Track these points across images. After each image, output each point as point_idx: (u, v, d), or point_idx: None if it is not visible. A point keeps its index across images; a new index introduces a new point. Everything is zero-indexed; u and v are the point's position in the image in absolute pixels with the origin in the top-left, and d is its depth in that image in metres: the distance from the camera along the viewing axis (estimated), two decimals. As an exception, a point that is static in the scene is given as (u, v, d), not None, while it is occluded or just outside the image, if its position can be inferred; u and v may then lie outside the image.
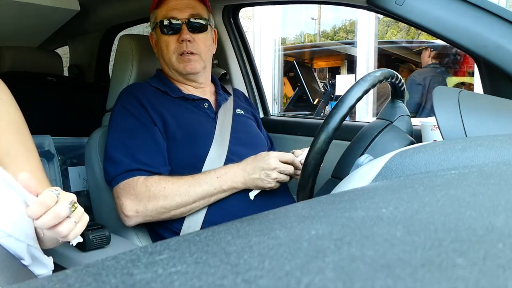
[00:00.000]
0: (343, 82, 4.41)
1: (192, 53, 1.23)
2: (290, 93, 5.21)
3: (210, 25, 1.28)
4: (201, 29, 1.25)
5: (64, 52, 2.60)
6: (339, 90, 4.30)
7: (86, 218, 0.72)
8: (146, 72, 1.37)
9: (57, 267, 0.90)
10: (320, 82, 5.38)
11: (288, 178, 1.12)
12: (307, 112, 4.65)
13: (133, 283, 0.24)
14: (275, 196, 1.15)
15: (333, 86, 4.66)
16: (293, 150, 1.24)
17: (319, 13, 6.84)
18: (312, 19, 7.02)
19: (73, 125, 1.84)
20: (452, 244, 0.25)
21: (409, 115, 1.12)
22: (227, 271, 0.24)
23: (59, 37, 2.27)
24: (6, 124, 0.83)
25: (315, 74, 5.57)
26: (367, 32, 4.13)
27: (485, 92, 1.09)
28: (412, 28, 5.27)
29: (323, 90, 5.08)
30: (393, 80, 1.01)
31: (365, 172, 0.67)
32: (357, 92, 0.87)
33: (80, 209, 0.70)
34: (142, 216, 1.10)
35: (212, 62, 1.42)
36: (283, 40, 5.49)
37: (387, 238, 0.27)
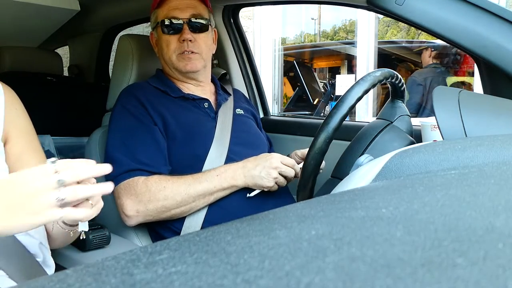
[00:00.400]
0: (343, 82, 4.42)
1: (193, 52, 1.23)
2: (290, 93, 5.21)
3: (210, 25, 1.29)
4: (202, 29, 1.25)
5: (64, 52, 2.60)
6: (339, 90, 4.30)
7: (101, 203, 0.70)
8: (146, 72, 1.37)
9: (57, 267, 0.90)
10: (320, 82, 5.38)
11: (286, 182, 1.12)
12: (307, 112, 4.66)
13: (133, 283, 0.24)
14: (275, 196, 1.15)
15: (333, 86, 4.66)
16: (296, 151, 1.24)
17: (319, 13, 6.84)
18: (312, 19, 7.01)
19: (73, 125, 1.85)
20: (452, 244, 0.25)
21: (409, 115, 1.13)
22: (227, 271, 0.24)
23: (59, 37, 2.27)
24: (19, 131, 0.89)
25: (315, 74, 5.57)
26: (367, 32, 4.13)
27: (485, 92, 1.09)
28: (412, 28, 5.26)
29: (323, 90, 5.08)
30: (393, 80, 1.01)
31: (365, 172, 0.67)
32: (357, 92, 0.87)
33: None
34: (143, 215, 1.10)
35: (212, 62, 1.42)
36: (283, 40, 5.49)
37: (387, 238, 0.27)
